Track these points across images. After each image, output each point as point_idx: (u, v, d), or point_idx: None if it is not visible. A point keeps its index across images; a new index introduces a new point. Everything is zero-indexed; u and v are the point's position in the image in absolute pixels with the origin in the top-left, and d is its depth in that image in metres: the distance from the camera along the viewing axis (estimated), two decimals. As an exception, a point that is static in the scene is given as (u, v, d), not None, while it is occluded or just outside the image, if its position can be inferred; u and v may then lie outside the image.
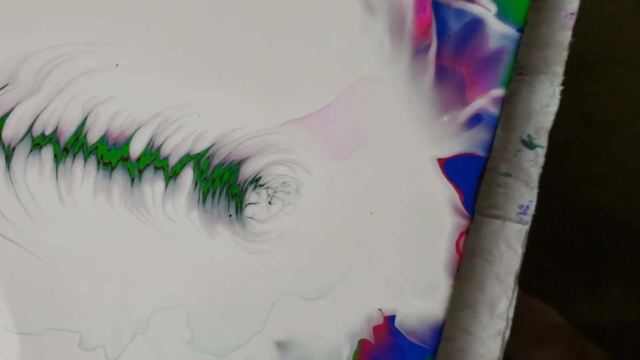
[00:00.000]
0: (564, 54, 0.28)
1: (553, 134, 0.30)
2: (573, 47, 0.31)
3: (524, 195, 0.28)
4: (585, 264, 0.93)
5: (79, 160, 0.26)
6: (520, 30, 0.26)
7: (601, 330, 0.91)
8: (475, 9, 0.26)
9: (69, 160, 0.26)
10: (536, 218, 0.30)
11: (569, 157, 0.95)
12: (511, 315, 0.28)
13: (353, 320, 0.26)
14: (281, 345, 0.26)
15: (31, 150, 0.26)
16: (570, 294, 0.91)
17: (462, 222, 0.26)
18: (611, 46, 0.95)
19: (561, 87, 0.28)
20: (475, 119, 0.26)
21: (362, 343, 0.26)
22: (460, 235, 0.26)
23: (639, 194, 0.94)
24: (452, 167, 0.26)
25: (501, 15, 0.26)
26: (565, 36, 0.28)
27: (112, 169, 0.26)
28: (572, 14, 0.28)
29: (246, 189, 0.26)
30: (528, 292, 0.44)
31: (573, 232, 0.93)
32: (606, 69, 0.95)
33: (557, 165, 0.91)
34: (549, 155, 0.29)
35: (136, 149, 0.26)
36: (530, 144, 0.28)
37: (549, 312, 0.90)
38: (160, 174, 0.26)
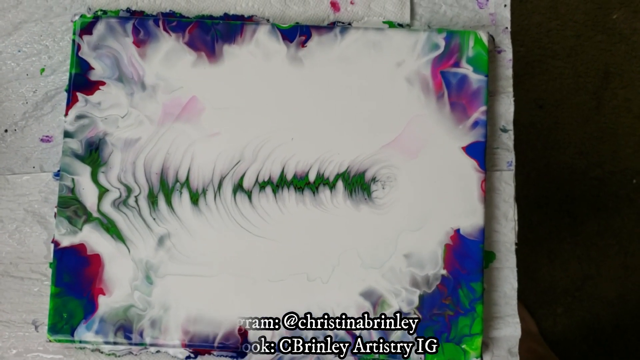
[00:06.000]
0: (510, 81, 0.53)
1: (518, 120, 0.54)
2: (517, 53, 0.55)
3: (507, 156, 0.53)
4: (564, 210, 1.09)
5: (285, 189, 0.50)
6: (486, 75, 0.51)
7: (587, 257, 1.09)
8: (462, 70, 0.51)
9: (280, 190, 0.50)
10: (521, 186, 0.53)
11: (532, 134, 1.11)
12: (516, 217, 0.52)
13: (441, 235, 0.50)
14: (407, 255, 0.50)
15: (260, 190, 0.50)
16: (559, 237, 1.11)
17: (481, 176, 0.50)
18: (544, 45, 1.10)
19: (513, 98, 0.53)
20: (475, 124, 0.51)
21: (447, 246, 0.50)
22: (482, 182, 0.50)
23: (589, 149, 1.11)
24: (470, 150, 0.50)
25: (475, 71, 0.51)
26: (508, 72, 0.53)
27: (302, 190, 0.50)
28: (510, 59, 0.54)
29: (370, 184, 0.51)
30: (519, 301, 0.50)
31: (549, 189, 1.09)
32: (545, 63, 1.11)
33: (526, 143, 1.10)
34: (518, 136, 0.53)
35: (312, 177, 0.50)
36: (504, 130, 0.53)
37: (527, 320, 1.03)
38: (327, 186, 0.50)
